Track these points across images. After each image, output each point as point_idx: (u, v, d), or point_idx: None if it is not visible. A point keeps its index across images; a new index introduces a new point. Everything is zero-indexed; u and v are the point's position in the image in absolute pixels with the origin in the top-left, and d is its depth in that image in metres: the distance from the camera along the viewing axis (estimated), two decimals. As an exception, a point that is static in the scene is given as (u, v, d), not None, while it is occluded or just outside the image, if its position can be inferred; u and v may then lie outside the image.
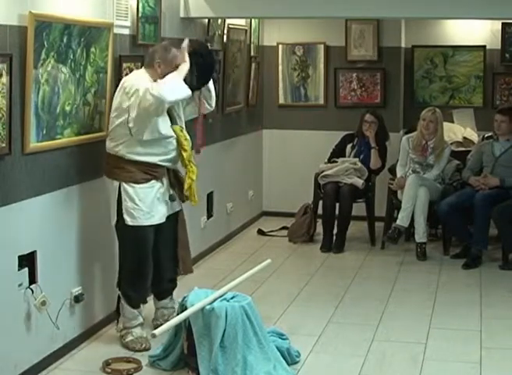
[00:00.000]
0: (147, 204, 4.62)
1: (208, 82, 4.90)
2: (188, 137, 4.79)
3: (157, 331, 4.13)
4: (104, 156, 4.75)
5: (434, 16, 6.81)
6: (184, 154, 4.73)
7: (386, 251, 7.12)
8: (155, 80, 4.56)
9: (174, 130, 4.70)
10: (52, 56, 4.25)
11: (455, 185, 7.09)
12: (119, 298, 4.78)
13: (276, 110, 8.43)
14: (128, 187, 4.59)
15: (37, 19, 4.04)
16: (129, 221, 4.60)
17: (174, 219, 4.87)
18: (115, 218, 4.69)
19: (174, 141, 4.69)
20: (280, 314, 5.37)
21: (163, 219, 4.72)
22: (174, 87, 4.47)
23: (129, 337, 4.72)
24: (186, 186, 4.79)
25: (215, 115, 6.63)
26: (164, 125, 4.62)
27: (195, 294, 4.45)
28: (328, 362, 4.57)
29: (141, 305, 4.80)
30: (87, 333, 4.84)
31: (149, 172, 4.62)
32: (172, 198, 4.75)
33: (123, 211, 4.60)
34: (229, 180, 7.43)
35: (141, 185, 4.60)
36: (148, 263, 4.72)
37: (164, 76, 4.56)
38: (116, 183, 4.63)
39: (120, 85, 4.63)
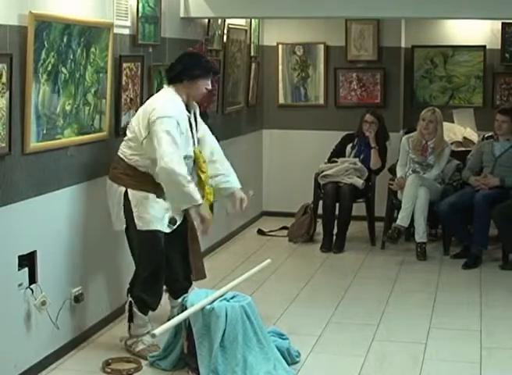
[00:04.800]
0: (157, 209, 4.54)
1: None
2: (207, 160, 4.78)
3: (157, 331, 4.12)
4: (104, 156, 4.75)
5: (434, 16, 6.81)
6: (202, 175, 4.69)
7: (386, 251, 7.12)
8: (186, 98, 4.59)
9: (194, 152, 4.68)
10: (52, 56, 4.24)
11: (455, 185, 7.09)
12: (130, 305, 4.65)
13: (276, 110, 8.43)
14: (136, 193, 4.52)
15: (37, 19, 4.04)
16: (141, 226, 4.52)
17: (184, 225, 4.84)
18: (124, 224, 4.59)
19: (192, 163, 4.65)
20: (280, 314, 5.36)
21: (171, 229, 4.66)
22: (180, 194, 4.43)
23: (141, 346, 4.62)
24: None
25: (214, 115, 6.63)
26: (187, 145, 4.58)
27: (195, 294, 4.45)
28: (328, 362, 4.57)
29: (149, 312, 4.70)
30: (87, 333, 4.84)
31: (160, 188, 4.49)
32: (172, 222, 4.64)
33: (134, 216, 4.52)
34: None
35: (149, 194, 4.53)
36: (163, 266, 4.64)
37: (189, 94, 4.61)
38: (122, 189, 4.55)
39: (148, 105, 4.54)
